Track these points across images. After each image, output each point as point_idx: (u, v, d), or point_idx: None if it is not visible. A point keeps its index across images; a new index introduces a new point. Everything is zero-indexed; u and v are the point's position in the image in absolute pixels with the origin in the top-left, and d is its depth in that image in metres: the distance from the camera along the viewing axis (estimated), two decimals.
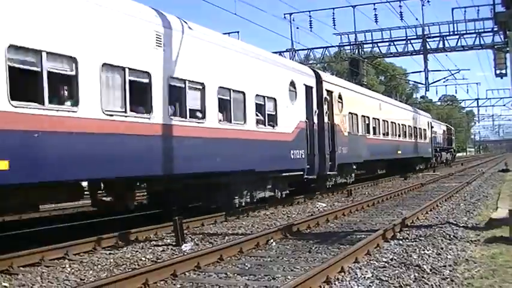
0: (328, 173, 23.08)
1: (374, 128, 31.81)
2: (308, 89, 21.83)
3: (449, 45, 39.04)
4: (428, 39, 39.14)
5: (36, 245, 10.53)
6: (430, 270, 8.79)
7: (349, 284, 8.00)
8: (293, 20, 39.37)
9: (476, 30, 38.11)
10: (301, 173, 20.60)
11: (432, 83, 46.82)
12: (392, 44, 40.78)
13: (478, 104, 78.51)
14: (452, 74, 52.47)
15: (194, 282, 8.55)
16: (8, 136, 9.50)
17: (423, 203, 19.09)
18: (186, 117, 14.29)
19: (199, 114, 14.92)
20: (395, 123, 36.99)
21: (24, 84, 10.08)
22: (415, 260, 9.58)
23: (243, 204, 17.56)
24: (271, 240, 12.00)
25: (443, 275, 8.49)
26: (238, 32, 19.44)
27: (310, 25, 39.36)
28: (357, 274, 8.59)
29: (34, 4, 10.21)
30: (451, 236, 12.09)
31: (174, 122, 13.71)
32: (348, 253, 9.51)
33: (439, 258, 9.77)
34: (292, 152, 19.93)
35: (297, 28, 60.92)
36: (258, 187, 18.51)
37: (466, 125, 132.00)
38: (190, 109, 14.45)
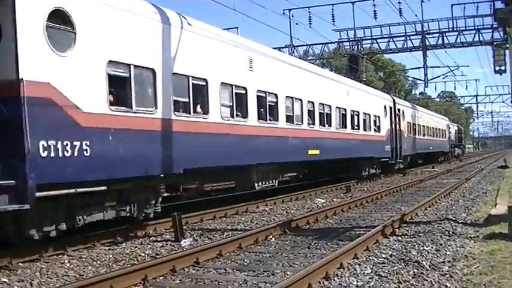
0: (398, 160, 35.79)
1: (418, 131, 44.41)
2: (390, 108, 34.68)
3: (449, 42, 38.97)
4: (427, 36, 39.09)
5: (35, 241, 10.52)
6: (429, 266, 8.81)
7: (348, 280, 8.01)
8: (292, 16, 39.39)
9: (476, 27, 38.06)
10: (388, 159, 33.59)
11: (431, 79, 46.75)
12: (391, 40, 40.73)
13: (477, 100, 78.64)
14: (452, 71, 52.40)
15: (193, 278, 8.57)
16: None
17: (422, 199, 19.09)
18: (292, 122, 20.47)
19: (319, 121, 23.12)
20: (429, 127, 50.29)
21: (199, 101, 14.83)
22: (414, 256, 9.59)
23: (366, 175, 30.38)
24: (270, 236, 12.01)
25: (442, 271, 8.50)
26: (237, 27, 19.46)
27: (310, 21, 39.34)
28: (356, 270, 8.61)
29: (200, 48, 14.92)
30: (450, 232, 12.10)
31: (262, 124, 18.11)
32: (347, 249, 9.51)
33: (438, 255, 9.78)
34: (385, 146, 33.05)
35: (296, 24, 60.98)
36: (371, 166, 31.36)
37: (465, 122, 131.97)
38: (295, 115, 20.70)
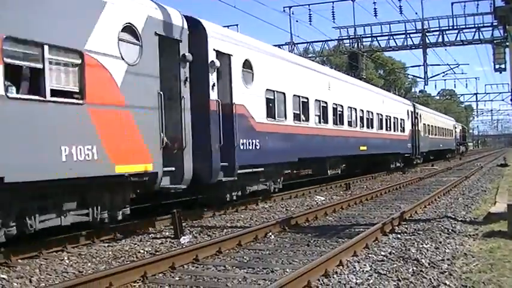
0: (417, 156, 42.48)
1: (432, 132, 50.85)
2: (411, 112, 41.30)
3: (449, 40, 39.08)
4: (427, 34, 39.19)
5: (35, 238, 10.54)
6: (428, 264, 8.81)
7: (348, 277, 8.01)
8: (292, 14, 39.54)
9: (476, 25, 38.16)
10: (409, 155, 40.51)
11: (431, 77, 46.97)
12: (391, 38, 40.83)
13: (476, 98, 78.87)
14: (452, 69, 52.59)
15: (192, 275, 8.57)
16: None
17: (421, 197, 19.12)
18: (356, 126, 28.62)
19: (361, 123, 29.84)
20: (439, 127, 56.69)
21: (304, 112, 21.56)
22: (414, 253, 9.59)
23: (394, 167, 37.55)
24: (270, 233, 12.02)
25: (441, 268, 8.51)
26: (237, 25, 19.49)
27: (310, 18, 39.44)
28: (355, 267, 8.61)
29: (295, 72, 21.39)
30: (450, 230, 12.10)
31: (335, 127, 25.18)
32: (346, 246, 9.52)
33: (437, 252, 9.79)
34: (408, 144, 39.76)
35: (297, 21, 61.18)
36: (397, 160, 38.31)
37: (465, 120, 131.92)
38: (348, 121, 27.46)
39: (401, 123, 38.12)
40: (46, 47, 9.56)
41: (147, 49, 12.23)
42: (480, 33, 37.64)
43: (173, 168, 13.11)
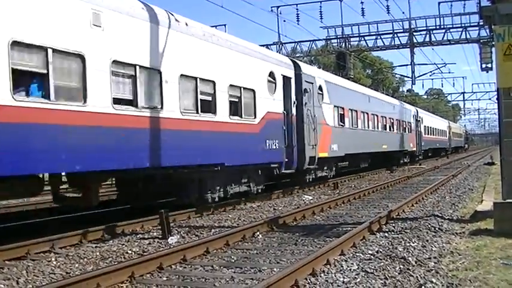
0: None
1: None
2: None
3: (436, 39, 39.10)
4: (414, 33, 39.19)
5: (22, 239, 10.50)
6: (415, 262, 8.85)
7: (335, 276, 8.04)
8: (280, 13, 39.37)
9: (463, 25, 38.19)
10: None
11: (418, 76, 47.08)
12: (379, 37, 40.76)
13: (464, 97, 79.14)
14: (439, 68, 52.76)
15: (180, 275, 8.57)
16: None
17: (409, 195, 19.20)
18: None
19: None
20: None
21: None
22: (401, 252, 9.64)
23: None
24: (258, 233, 12.04)
25: (428, 267, 8.55)
26: (225, 25, 19.49)
27: (297, 18, 39.33)
28: (342, 266, 8.64)
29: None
30: (436, 229, 12.17)
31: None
32: (334, 245, 9.55)
33: (424, 251, 9.84)
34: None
35: (284, 21, 61.25)
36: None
37: (452, 119, 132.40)
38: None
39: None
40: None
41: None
42: (467, 32, 37.74)
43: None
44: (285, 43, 41.10)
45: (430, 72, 53.89)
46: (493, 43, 13.29)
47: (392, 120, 39.70)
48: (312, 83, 23.25)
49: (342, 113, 27.68)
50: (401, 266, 8.57)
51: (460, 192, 20.91)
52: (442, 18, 38.59)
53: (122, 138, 12.29)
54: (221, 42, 16.52)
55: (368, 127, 32.93)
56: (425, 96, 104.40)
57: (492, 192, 18.62)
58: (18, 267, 9.32)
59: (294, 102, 21.28)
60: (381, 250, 9.89)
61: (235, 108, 17.14)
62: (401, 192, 21.90)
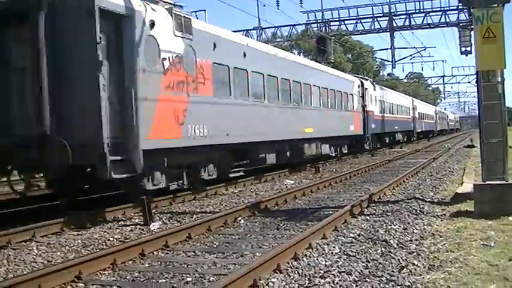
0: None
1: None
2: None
3: (416, 23, 39.19)
4: (394, 17, 39.24)
5: (2, 228, 10.42)
6: (397, 244, 8.91)
7: (317, 260, 8.06)
8: None
9: (442, 8, 38.28)
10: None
11: (399, 60, 47.10)
12: (359, 21, 40.78)
13: (443, 81, 79.62)
14: (419, 52, 52.87)
15: (162, 261, 8.55)
16: None
17: (390, 179, 19.28)
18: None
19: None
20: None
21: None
22: (382, 235, 9.69)
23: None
24: (240, 218, 12.05)
25: (409, 249, 8.61)
26: (205, 10, 19.29)
27: (277, 3, 39.27)
28: (324, 250, 8.67)
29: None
30: (418, 211, 12.25)
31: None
32: (316, 229, 9.57)
33: (406, 233, 9.90)
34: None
35: (264, 6, 60.82)
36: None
37: (433, 102, 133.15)
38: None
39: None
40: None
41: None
42: (446, 16, 37.84)
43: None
44: (265, 28, 41.02)
45: (410, 56, 54.05)
46: (472, 27, 13.35)
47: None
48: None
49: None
50: (383, 249, 8.62)
51: (441, 174, 21.06)
52: (421, 2, 38.72)
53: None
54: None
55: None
56: (405, 80, 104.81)
57: (472, 174, 18.76)
58: None
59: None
60: (362, 233, 9.94)
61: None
62: (382, 175, 22.01)
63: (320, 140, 26.85)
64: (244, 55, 18.72)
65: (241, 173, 18.81)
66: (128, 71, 12.54)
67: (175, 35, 14.58)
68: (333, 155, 30.76)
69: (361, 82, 36.69)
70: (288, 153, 23.22)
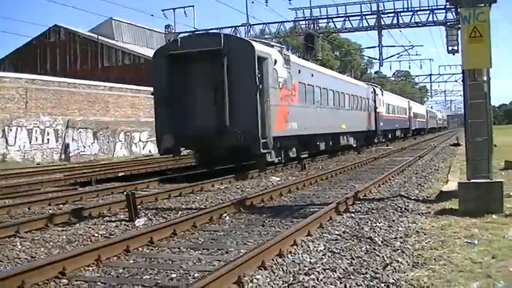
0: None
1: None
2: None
3: (403, 22, 39.26)
4: (382, 15, 39.25)
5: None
6: (382, 242, 8.94)
7: (302, 256, 8.07)
8: None
9: (430, 7, 38.36)
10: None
11: (386, 58, 47.12)
12: (347, 19, 40.79)
13: (431, 79, 79.74)
14: (406, 50, 52.95)
15: (147, 257, 8.53)
16: None
17: (376, 176, 19.33)
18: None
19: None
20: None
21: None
22: (367, 232, 9.72)
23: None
24: (225, 215, 12.03)
25: (394, 246, 8.64)
26: (193, 6, 19.33)
27: (266, 0, 39.20)
28: (309, 247, 8.67)
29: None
30: (403, 209, 12.29)
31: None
32: (301, 226, 9.58)
33: (391, 231, 9.93)
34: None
35: (252, 2, 60.67)
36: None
37: (419, 100, 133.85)
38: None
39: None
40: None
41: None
42: (434, 15, 37.91)
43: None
44: (253, 24, 40.97)
45: (398, 54, 54.01)
46: (459, 26, 13.40)
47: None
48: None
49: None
50: (368, 246, 8.65)
51: (426, 173, 21.14)
52: (409, 1, 38.69)
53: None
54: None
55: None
56: (392, 78, 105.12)
57: (457, 172, 18.85)
58: None
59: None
60: (347, 231, 9.96)
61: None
62: (368, 173, 22.05)
63: (348, 133, 35.91)
64: (312, 75, 28.05)
65: (306, 155, 27.80)
66: (265, 90, 20.77)
67: (283, 66, 23.44)
68: (354, 146, 37.99)
69: (374, 89, 45.89)
70: (330, 142, 31.66)
